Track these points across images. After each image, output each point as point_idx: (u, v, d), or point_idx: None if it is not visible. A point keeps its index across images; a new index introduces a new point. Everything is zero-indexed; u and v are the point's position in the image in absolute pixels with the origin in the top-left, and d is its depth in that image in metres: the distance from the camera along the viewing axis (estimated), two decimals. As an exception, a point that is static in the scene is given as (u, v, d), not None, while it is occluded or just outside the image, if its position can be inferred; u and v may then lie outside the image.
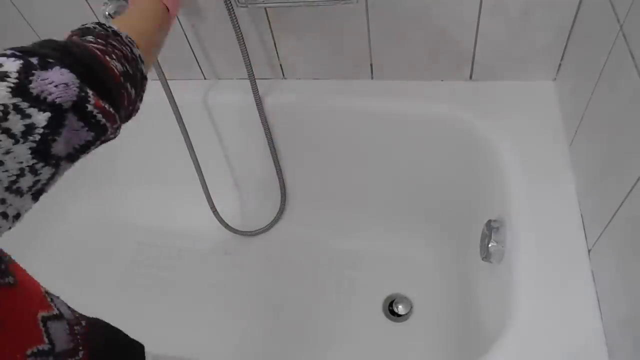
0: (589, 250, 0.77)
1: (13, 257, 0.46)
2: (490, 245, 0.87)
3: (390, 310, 1.22)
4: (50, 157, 0.41)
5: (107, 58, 0.49)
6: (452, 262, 1.23)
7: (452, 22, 0.95)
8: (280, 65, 1.13)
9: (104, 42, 0.50)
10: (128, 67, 0.51)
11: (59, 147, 0.41)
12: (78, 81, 0.43)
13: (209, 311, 1.30)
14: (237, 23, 0.98)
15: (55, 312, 0.50)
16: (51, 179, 0.42)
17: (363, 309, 1.23)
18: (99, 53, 0.48)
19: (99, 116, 0.45)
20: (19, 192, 0.39)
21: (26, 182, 0.39)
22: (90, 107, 0.44)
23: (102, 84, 0.46)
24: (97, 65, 0.47)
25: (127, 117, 0.55)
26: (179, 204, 1.47)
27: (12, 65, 0.40)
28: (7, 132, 0.37)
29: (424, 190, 1.21)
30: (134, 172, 1.45)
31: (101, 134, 0.47)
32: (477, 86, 1.04)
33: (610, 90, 0.71)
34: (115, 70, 0.49)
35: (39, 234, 1.44)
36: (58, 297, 0.52)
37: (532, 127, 0.95)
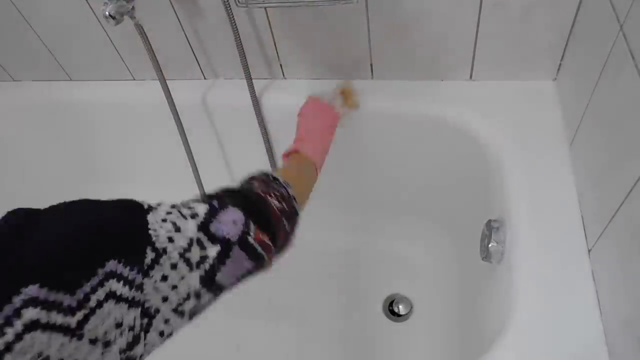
0: (589, 250, 0.77)
1: None
2: (490, 245, 0.87)
3: (390, 310, 1.22)
4: (213, 285, 0.48)
5: (269, 197, 0.57)
6: (452, 262, 1.23)
7: (452, 21, 0.95)
8: (280, 65, 1.13)
9: (265, 185, 0.60)
10: (285, 205, 0.60)
11: (221, 277, 0.48)
12: (244, 218, 0.50)
13: (209, 311, 1.30)
14: (237, 23, 0.98)
15: None
16: (208, 303, 0.50)
17: (363, 309, 1.23)
18: (262, 193, 0.57)
19: (259, 248, 0.52)
20: (181, 314, 0.45)
21: (188, 305, 0.45)
22: (251, 240, 0.51)
23: (264, 220, 0.54)
24: (261, 204, 0.55)
25: (282, 249, 0.61)
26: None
27: (201, 208, 0.49)
28: (187, 261, 0.44)
29: (423, 190, 1.21)
30: (133, 172, 1.45)
31: (260, 263, 0.53)
32: (477, 86, 1.04)
33: (611, 90, 0.71)
34: (275, 207, 0.57)
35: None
36: None
37: (532, 127, 0.95)
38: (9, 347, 0.31)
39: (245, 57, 1.03)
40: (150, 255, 0.41)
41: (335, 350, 1.18)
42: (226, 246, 0.47)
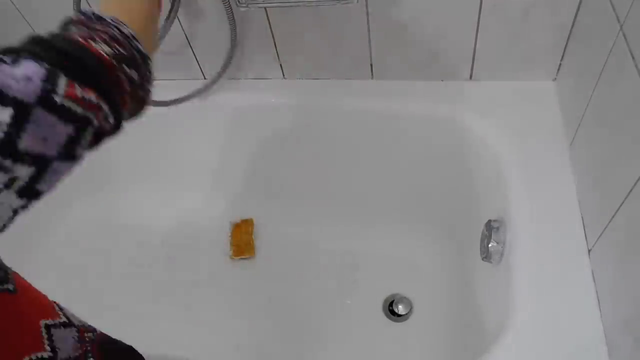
0: (589, 250, 0.77)
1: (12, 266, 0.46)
2: (490, 245, 0.87)
3: (390, 310, 1.21)
4: (18, 154, 0.39)
5: (92, 42, 0.44)
6: (452, 262, 1.23)
7: (452, 22, 0.95)
8: (280, 65, 1.13)
9: (85, 27, 0.46)
10: (120, 48, 0.46)
11: (28, 144, 0.39)
12: (44, 72, 0.40)
13: (209, 311, 1.30)
14: (237, 23, 0.98)
15: (62, 320, 0.49)
16: (38, 177, 0.41)
17: (363, 309, 1.23)
18: (79, 39, 0.44)
19: (77, 108, 0.41)
20: None
21: None
22: (58, 99, 0.40)
23: (82, 71, 0.42)
24: (76, 51, 0.43)
25: (140, 102, 0.50)
26: (179, 204, 1.47)
27: None
28: None
29: (424, 190, 1.20)
30: (134, 172, 1.45)
31: (84, 126, 0.43)
32: (477, 86, 1.04)
33: (611, 90, 0.71)
34: (103, 53, 0.44)
35: (39, 235, 1.44)
36: (68, 309, 0.52)
37: (532, 127, 0.95)
38: None
39: (242, 57, 1.03)
40: None
41: (336, 350, 1.17)
42: (20, 108, 0.38)
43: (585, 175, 0.82)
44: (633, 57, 0.64)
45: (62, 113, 0.41)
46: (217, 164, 1.35)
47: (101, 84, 0.44)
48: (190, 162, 1.36)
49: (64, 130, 0.41)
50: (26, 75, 0.39)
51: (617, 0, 0.71)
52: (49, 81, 0.40)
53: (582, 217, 0.81)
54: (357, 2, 0.93)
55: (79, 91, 0.42)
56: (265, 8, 1.00)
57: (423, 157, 1.13)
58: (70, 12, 1.09)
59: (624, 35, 0.67)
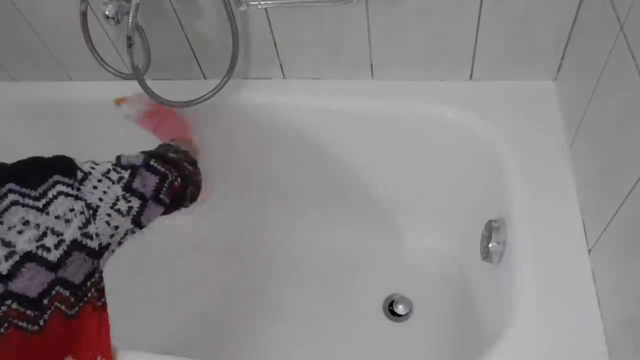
0: (589, 250, 0.77)
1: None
2: (490, 246, 0.87)
3: (390, 310, 1.22)
4: (133, 190, 0.69)
5: (188, 171, 0.83)
6: (452, 262, 1.23)
7: (452, 22, 0.95)
8: (280, 65, 1.13)
9: (190, 164, 0.87)
10: (194, 176, 0.86)
11: (137, 185, 0.70)
12: (158, 180, 0.73)
13: (209, 311, 1.30)
14: (237, 23, 0.98)
15: None
16: (142, 209, 0.70)
17: (363, 309, 1.23)
18: (186, 168, 0.83)
19: (166, 200, 0.75)
20: (119, 212, 0.67)
21: (122, 205, 0.68)
22: (162, 196, 0.74)
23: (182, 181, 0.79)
24: (181, 171, 0.80)
25: (193, 198, 0.86)
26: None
27: (126, 174, 0.70)
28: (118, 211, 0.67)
29: (424, 190, 1.21)
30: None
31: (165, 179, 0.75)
32: (477, 86, 1.04)
33: (611, 91, 0.71)
34: (193, 176, 0.85)
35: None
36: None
37: (532, 127, 0.95)
38: (1, 215, 0.57)
39: (237, 57, 1.03)
40: (80, 175, 0.64)
41: (335, 350, 1.18)
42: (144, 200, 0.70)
43: (585, 175, 0.82)
44: (633, 57, 0.64)
45: (161, 203, 0.74)
46: (216, 164, 1.35)
47: (185, 187, 0.80)
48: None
49: (154, 180, 0.72)
50: (144, 184, 0.72)
51: (617, 0, 0.71)
52: (160, 185, 0.74)
53: (582, 217, 0.81)
54: (357, 2, 0.93)
55: (179, 189, 0.78)
56: (265, 8, 1.00)
57: (423, 158, 1.13)
58: (70, 12, 1.08)
59: (624, 35, 0.67)
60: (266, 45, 1.09)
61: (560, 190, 0.85)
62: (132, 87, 1.11)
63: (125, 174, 0.68)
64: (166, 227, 1.48)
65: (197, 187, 0.83)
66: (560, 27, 0.91)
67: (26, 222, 0.57)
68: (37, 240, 0.57)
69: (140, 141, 1.32)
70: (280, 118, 1.17)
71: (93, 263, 0.63)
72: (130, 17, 0.91)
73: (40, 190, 0.59)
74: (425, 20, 0.95)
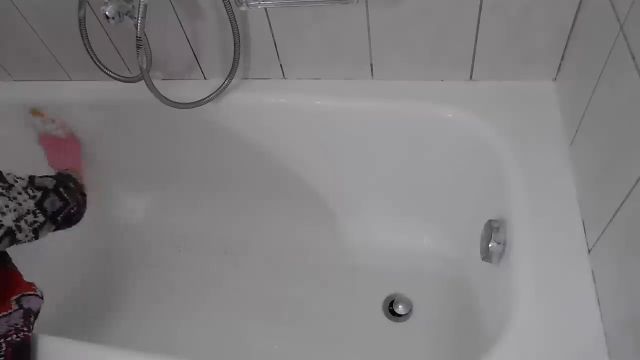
0: (589, 250, 0.77)
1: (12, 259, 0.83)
2: (490, 246, 0.87)
3: (390, 310, 1.22)
4: (43, 209, 0.84)
5: (80, 198, 0.96)
6: (452, 262, 1.23)
7: (452, 22, 0.95)
8: (280, 65, 1.13)
9: (81, 191, 0.99)
10: (81, 201, 0.97)
11: (47, 206, 0.85)
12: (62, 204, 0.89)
13: (209, 311, 1.30)
14: (237, 23, 0.98)
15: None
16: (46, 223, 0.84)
17: (363, 308, 1.23)
18: (80, 195, 0.97)
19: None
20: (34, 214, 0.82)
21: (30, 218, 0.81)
22: (59, 218, 0.88)
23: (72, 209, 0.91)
24: (74, 199, 0.93)
25: (78, 215, 0.96)
26: (179, 203, 1.47)
27: (39, 194, 0.84)
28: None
29: (424, 190, 1.21)
30: (134, 172, 1.45)
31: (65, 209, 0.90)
32: (477, 86, 1.04)
33: (611, 90, 0.71)
34: (81, 202, 0.96)
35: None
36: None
37: (532, 127, 0.95)
38: None
39: (239, 57, 1.03)
40: (6, 184, 0.77)
41: (335, 350, 1.18)
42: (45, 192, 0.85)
43: (585, 175, 0.82)
44: (633, 57, 0.64)
45: (60, 197, 0.88)
46: (216, 164, 1.35)
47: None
48: (190, 162, 1.36)
49: (59, 204, 0.87)
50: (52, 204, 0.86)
51: (617, 0, 0.71)
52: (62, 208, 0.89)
53: (582, 217, 0.81)
54: (357, 2, 0.93)
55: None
56: (265, 8, 1.00)
57: (423, 157, 1.13)
58: (70, 12, 1.09)
59: (624, 35, 0.67)
60: (266, 45, 1.09)
61: (560, 190, 0.85)
62: (134, 88, 1.11)
63: (38, 194, 0.82)
64: (166, 227, 1.49)
65: (81, 215, 0.95)
66: (560, 27, 0.91)
67: None
68: None
69: (140, 140, 1.33)
70: (280, 118, 1.17)
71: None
72: (139, 18, 0.91)
73: None
74: (425, 20, 0.95)
